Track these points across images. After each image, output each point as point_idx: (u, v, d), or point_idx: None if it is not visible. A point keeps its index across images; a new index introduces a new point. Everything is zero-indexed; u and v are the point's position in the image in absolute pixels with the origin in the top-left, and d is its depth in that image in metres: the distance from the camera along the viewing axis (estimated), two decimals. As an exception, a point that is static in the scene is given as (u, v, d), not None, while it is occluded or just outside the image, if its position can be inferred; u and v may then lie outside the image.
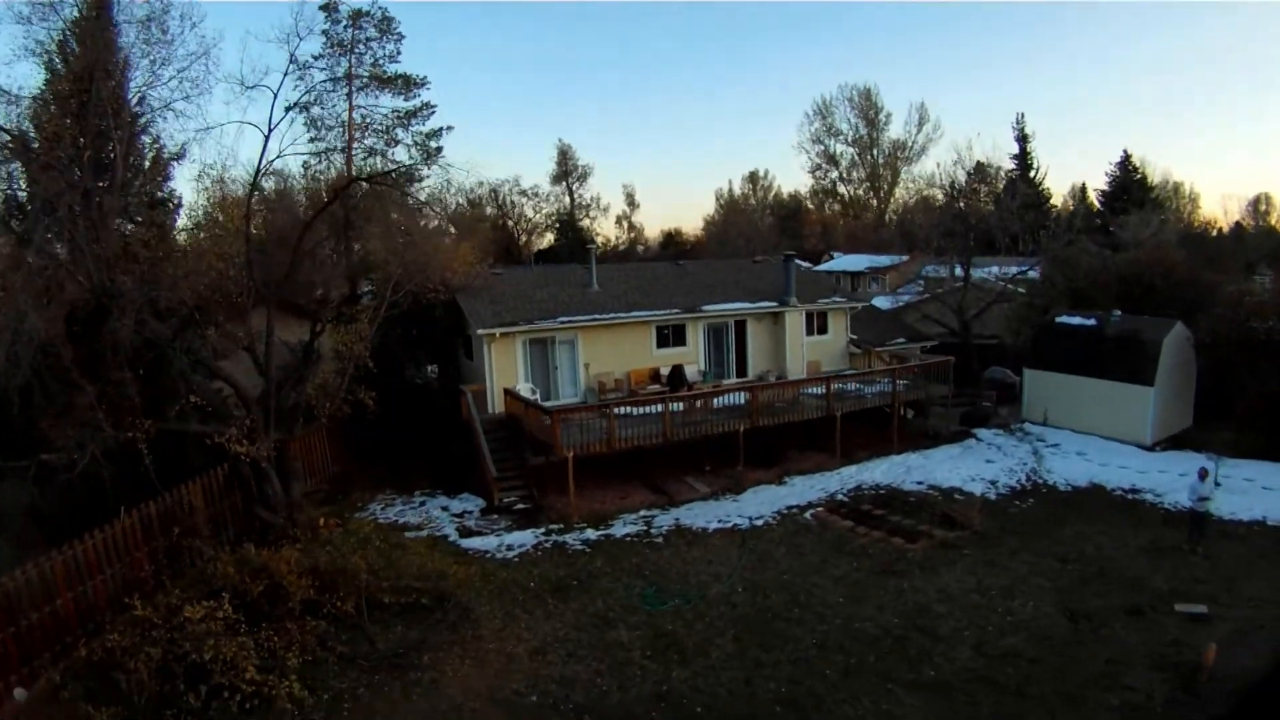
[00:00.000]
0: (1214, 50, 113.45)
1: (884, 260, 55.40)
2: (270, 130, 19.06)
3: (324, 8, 36.23)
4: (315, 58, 37.25)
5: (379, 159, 39.05)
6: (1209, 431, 29.78)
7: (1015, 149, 64.22)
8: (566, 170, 76.78)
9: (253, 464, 19.58)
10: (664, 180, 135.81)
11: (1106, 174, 64.14)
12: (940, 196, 40.51)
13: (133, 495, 17.60)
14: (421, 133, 39.98)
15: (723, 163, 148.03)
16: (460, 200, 73.04)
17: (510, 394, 27.50)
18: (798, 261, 32.03)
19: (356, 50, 38.05)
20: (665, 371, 30.50)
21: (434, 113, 40.01)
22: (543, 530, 21.90)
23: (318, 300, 26.56)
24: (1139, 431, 29.19)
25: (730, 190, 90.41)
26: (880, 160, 36.81)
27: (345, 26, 37.42)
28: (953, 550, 20.91)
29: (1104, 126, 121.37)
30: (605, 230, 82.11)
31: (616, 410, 25.14)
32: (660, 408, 25.89)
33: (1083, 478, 26.24)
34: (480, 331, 28.04)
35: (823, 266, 59.60)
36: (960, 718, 13.53)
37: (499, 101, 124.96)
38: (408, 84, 39.11)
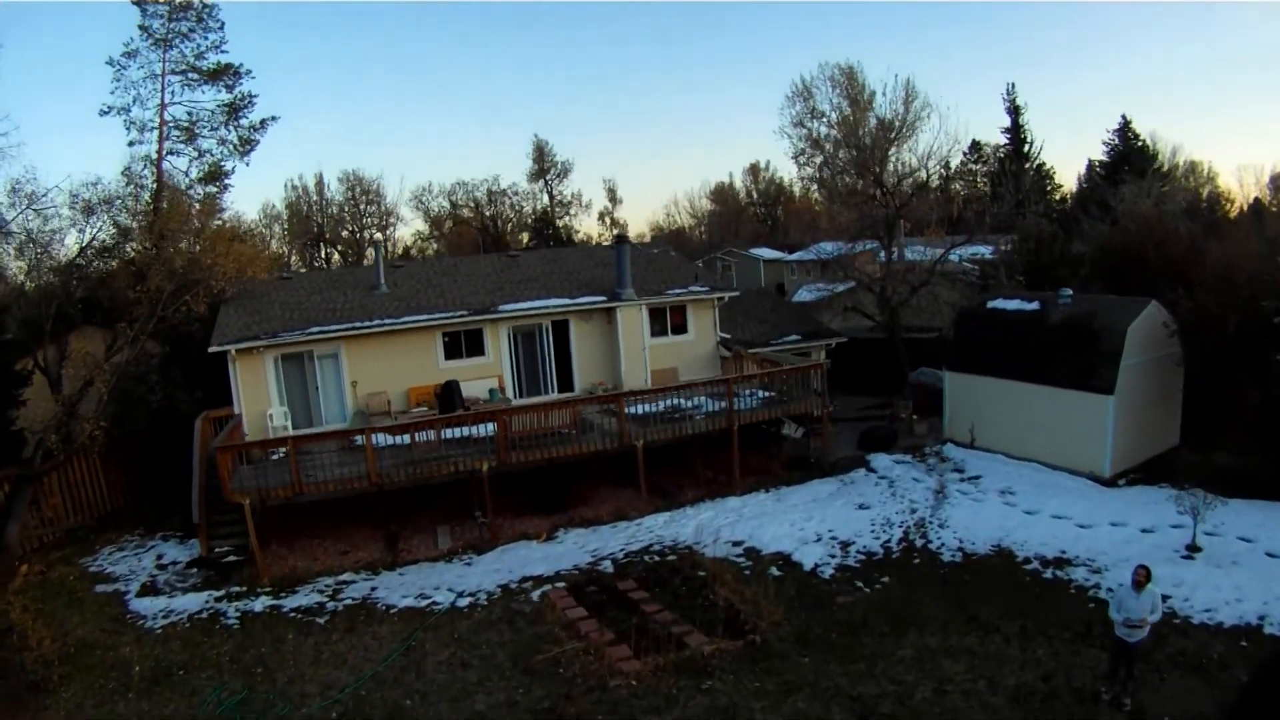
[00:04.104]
0: (1231, 27, 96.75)
1: (861, 246, 44.14)
2: None
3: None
4: (128, 54, 29.53)
5: (196, 158, 30.89)
6: (1198, 452, 18.75)
7: (1007, 122, 52.35)
8: (544, 167, 67.95)
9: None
10: (657, 176, 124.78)
11: (1104, 143, 51.59)
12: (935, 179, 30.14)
13: None
14: (245, 125, 31.55)
15: (727, 155, 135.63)
16: (443, 202, 66.62)
17: (204, 420, 19.29)
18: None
19: (174, 43, 29.89)
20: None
21: (255, 103, 31.66)
22: (221, 594, 16.31)
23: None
24: (1094, 457, 18.69)
25: (731, 183, 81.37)
26: (868, 141, 28.29)
27: (162, 19, 29.39)
28: (694, 676, 11.78)
29: (1113, 105, 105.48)
30: (587, 227, 73.22)
31: (328, 446, 17.39)
32: (407, 438, 17.73)
33: (988, 537, 15.98)
34: (215, 347, 20.35)
35: (794, 256, 48.93)
36: None
37: (475, 98, 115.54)
38: (231, 74, 30.73)
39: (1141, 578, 10.01)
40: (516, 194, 67.85)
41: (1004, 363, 20.52)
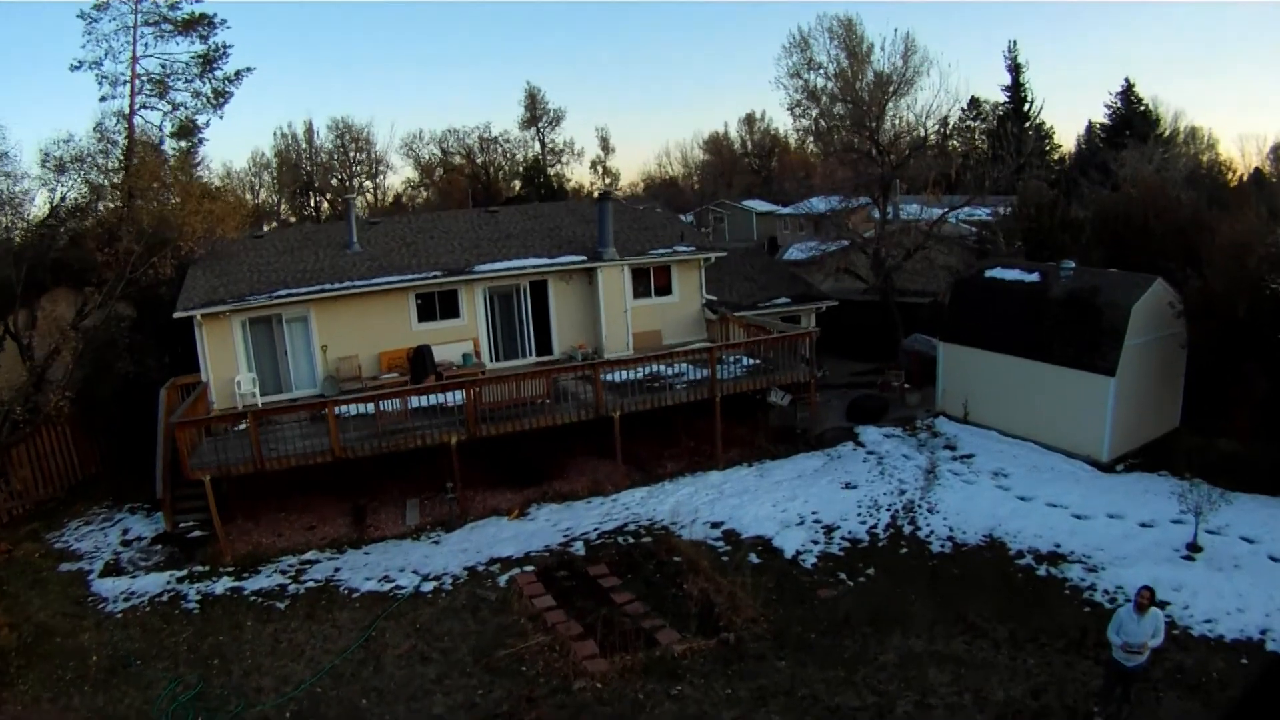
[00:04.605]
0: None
1: (855, 202, 42.53)
2: None
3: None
4: (99, 6, 27.70)
5: (169, 111, 29.47)
6: (1201, 435, 17.87)
7: (1008, 80, 50.47)
8: (536, 115, 65.84)
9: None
10: (650, 125, 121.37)
11: (1106, 105, 49.83)
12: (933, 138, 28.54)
13: None
14: (219, 77, 29.87)
15: (721, 106, 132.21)
16: (434, 149, 64.66)
17: (170, 389, 18.56)
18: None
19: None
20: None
21: (229, 54, 29.95)
22: (183, 574, 15.43)
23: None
24: (1092, 440, 17.76)
25: (726, 133, 78.69)
26: (865, 96, 26.86)
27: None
28: (663, 679, 11.04)
29: (1113, 66, 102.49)
30: (579, 176, 71.16)
31: (291, 418, 16.65)
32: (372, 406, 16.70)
33: (980, 526, 15.12)
34: (180, 312, 19.16)
35: (788, 209, 47.35)
36: None
37: (467, 44, 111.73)
38: (205, 24, 28.94)
39: (1145, 599, 9.12)
40: (508, 142, 65.70)
41: (1001, 336, 19.48)
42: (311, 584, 14.64)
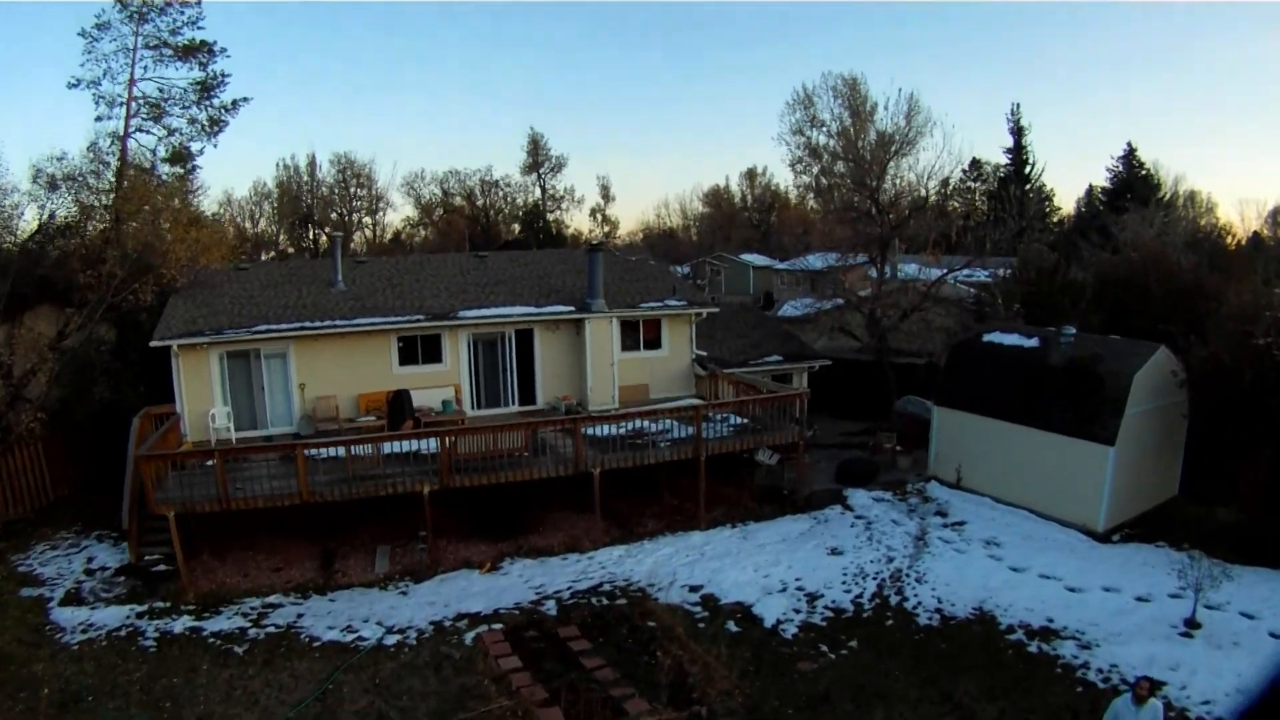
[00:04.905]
0: (1235, 52, 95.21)
1: (853, 259, 42.44)
2: None
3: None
4: (100, 26, 27.91)
5: (165, 136, 29.54)
6: (1200, 504, 17.35)
7: (1009, 142, 50.86)
8: (539, 160, 66.24)
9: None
10: (651, 176, 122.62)
11: (1108, 169, 50.12)
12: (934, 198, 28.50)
13: None
14: (216, 105, 29.96)
15: (722, 161, 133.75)
16: (435, 189, 64.97)
17: (144, 418, 18.33)
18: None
19: (149, 16, 28.32)
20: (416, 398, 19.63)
21: (227, 83, 30.15)
22: (143, 609, 14.96)
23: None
24: (1088, 510, 17.28)
25: (727, 186, 79.39)
26: (867, 155, 26.90)
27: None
28: None
29: (1113, 129, 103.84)
30: (578, 223, 71.59)
31: (262, 458, 16.30)
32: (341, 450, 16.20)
33: (969, 597, 14.48)
34: (156, 341, 18.70)
35: (785, 265, 47.28)
36: None
37: (473, 88, 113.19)
38: (205, 51, 29.10)
39: (1143, 691, 8.56)
40: (509, 186, 66.27)
41: (998, 402, 19.05)
42: (272, 629, 14.04)
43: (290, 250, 57.60)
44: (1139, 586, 14.35)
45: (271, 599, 15.29)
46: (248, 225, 58.92)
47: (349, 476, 15.77)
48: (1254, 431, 15.92)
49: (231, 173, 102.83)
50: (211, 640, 13.65)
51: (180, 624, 14.24)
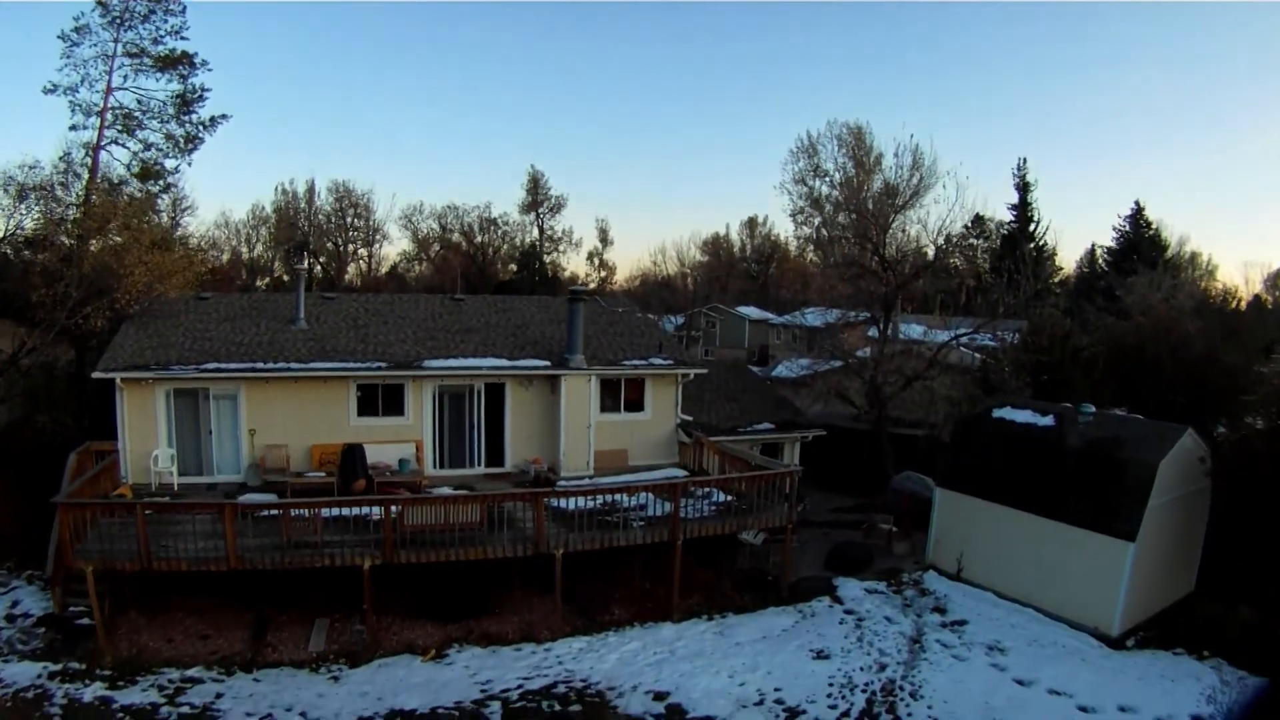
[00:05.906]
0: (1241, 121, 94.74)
1: (854, 316, 40.97)
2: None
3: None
4: (80, 29, 27.01)
5: (142, 150, 28.41)
6: (1219, 602, 15.69)
7: (1014, 198, 49.64)
8: (538, 199, 65.29)
9: None
10: (649, 223, 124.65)
11: (1114, 229, 48.97)
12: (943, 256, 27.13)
13: None
14: (194, 121, 28.78)
15: (721, 210, 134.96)
16: (432, 224, 63.82)
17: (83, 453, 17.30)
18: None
19: (131, 23, 27.34)
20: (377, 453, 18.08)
21: (206, 98, 29.12)
22: (58, 667, 13.66)
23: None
24: (1103, 610, 15.71)
25: (727, 235, 78.57)
26: (870, 206, 25.96)
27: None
28: None
29: (1119, 189, 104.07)
30: (575, 265, 70.34)
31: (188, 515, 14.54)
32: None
33: (970, 718, 12.43)
34: (99, 373, 17.33)
35: (782, 319, 45.84)
36: None
37: (476, 125, 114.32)
38: (186, 63, 28.02)
39: None
40: (507, 224, 65.18)
41: (1007, 486, 17.43)
42: (187, 709, 12.64)
43: (285, 278, 56.28)
44: (1159, 705, 12.75)
45: (192, 672, 13.87)
46: (244, 250, 57.82)
47: (283, 543, 14.12)
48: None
49: (232, 194, 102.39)
50: (120, 715, 12.36)
51: (91, 691, 12.98)
